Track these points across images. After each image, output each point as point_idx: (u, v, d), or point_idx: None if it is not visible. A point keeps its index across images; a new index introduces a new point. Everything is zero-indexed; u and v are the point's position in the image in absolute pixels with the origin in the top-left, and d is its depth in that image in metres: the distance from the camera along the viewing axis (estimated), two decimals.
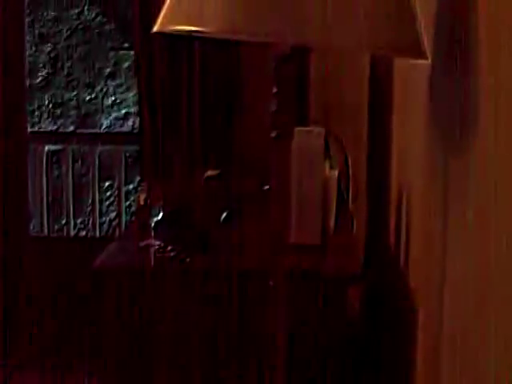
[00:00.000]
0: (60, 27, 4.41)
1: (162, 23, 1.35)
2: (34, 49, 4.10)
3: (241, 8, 1.24)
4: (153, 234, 2.17)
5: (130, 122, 4.45)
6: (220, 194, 2.37)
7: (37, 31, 4.17)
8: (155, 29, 1.40)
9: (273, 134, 1.65)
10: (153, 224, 2.17)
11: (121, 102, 4.48)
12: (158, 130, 2.68)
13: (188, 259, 2.06)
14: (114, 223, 3.90)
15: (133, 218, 2.76)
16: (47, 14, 4.36)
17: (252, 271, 1.99)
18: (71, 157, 3.71)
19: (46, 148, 3.73)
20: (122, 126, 4.41)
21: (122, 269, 2.06)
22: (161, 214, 2.18)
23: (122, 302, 2.06)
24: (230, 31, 1.26)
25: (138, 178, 3.83)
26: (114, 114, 4.46)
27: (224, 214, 2.27)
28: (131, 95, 4.48)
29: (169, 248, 2.12)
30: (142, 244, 2.16)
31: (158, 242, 2.15)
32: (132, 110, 4.46)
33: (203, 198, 2.31)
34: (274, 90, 1.77)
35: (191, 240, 2.13)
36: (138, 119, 4.34)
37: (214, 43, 2.42)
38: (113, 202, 3.95)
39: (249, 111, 2.62)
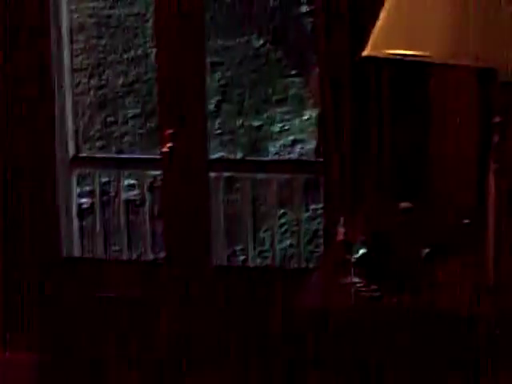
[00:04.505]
0: (229, 56, 4.46)
1: (373, 47, 1.31)
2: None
3: (465, 32, 1.18)
4: (354, 271, 2.10)
5: (297, 149, 4.44)
6: (417, 228, 2.27)
7: (208, 59, 4.23)
8: (365, 52, 1.36)
9: (494, 166, 1.56)
10: (354, 261, 2.11)
11: (288, 129, 4.47)
12: (341, 157, 2.59)
13: (394, 300, 1.98)
14: (288, 252, 3.87)
15: (326, 253, 2.71)
16: (217, 43, 4.44)
17: (464, 315, 1.89)
18: (244, 184, 3.72)
19: (220, 175, 3.76)
20: (289, 153, 4.40)
21: (323, 308, 2.02)
22: (362, 251, 2.11)
23: (321, 341, 2.00)
24: (452, 55, 1.22)
25: (312, 206, 3.79)
26: (281, 141, 4.46)
27: (426, 251, 2.18)
28: (298, 122, 4.47)
29: (372, 287, 2.04)
30: (344, 282, 2.10)
31: (359, 280, 2.08)
32: (299, 136, 4.44)
33: (400, 233, 2.22)
34: (497, 119, 1.68)
35: (395, 279, 2.05)
36: (307, 146, 4.32)
37: (404, 67, 2.30)
38: (287, 230, 3.93)
39: (445, 138, 2.50)
